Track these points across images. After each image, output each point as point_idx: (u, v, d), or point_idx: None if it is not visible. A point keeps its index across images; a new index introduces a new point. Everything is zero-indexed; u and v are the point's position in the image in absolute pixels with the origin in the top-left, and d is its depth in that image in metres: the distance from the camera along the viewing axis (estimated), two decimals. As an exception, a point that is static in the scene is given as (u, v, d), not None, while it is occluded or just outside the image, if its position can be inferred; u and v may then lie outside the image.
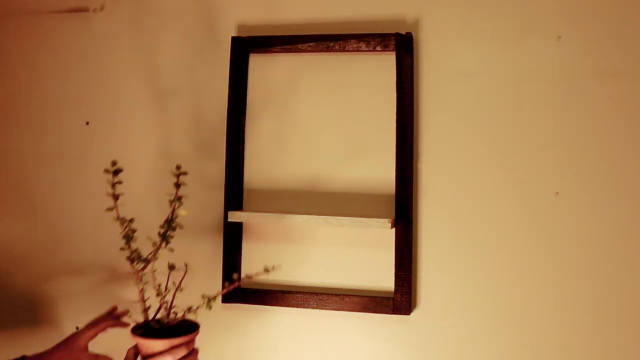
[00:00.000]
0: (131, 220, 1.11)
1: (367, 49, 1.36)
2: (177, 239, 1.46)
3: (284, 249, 1.42)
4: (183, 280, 1.11)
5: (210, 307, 1.10)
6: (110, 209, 1.10)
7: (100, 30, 1.55)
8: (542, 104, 1.31)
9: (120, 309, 1.31)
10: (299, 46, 1.39)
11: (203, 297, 1.09)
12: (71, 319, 1.51)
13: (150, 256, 1.13)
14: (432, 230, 1.35)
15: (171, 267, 1.12)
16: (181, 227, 1.13)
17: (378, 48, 1.36)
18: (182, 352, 1.07)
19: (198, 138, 1.48)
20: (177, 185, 1.12)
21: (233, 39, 1.43)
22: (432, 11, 1.37)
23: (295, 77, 1.43)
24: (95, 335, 1.24)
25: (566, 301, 1.29)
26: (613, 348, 1.27)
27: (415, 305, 1.35)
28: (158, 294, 1.12)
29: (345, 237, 1.39)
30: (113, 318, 1.30)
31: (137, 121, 1.51)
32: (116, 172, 1.09)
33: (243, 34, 1.45)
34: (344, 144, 1.39)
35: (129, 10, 1.53)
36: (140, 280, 1.12)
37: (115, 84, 1.53)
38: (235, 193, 1.42)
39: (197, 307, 1.10)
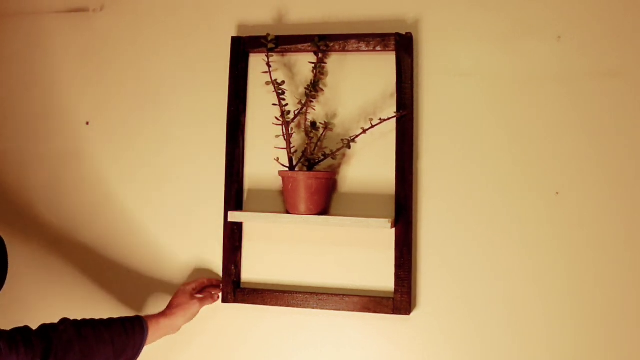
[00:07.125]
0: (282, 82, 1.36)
1: (367, 49, 1.36)
2: (178, 239, 1.47)
3: (284, 249, 1.42)
4: (323, 134, 1.36)
5: (350, 147, 1.33)
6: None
7: (100, 30, 1.55)
8: (542, 104, 1.31)
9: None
10: (299, 46, 1.39)
11: (342, 140, 1.32)
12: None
13: (297, 111, 1.36)
14: (432, 230, 1.35)
15: (312, 124, 1.37)
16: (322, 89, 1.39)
17: (378, 48, 1.36)
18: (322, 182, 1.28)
19: (198, 138, 1.48)
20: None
21: (233, 39, 1.43)
22: (432, 11, 1.37)
23: (295, 77, 1.43)
24: (197, 287, 1.41)
25: (566, 301, 1.29)
26: (614, 346, 1.27)
27: (415, 305, 1.35)
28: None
29: (345, 237, 1.39)
30: (209, 284, 1.44)
31: (137, 121, 1.51)
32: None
33: (243, 34, 1.45)
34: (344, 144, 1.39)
35: (129, 10, 1.53)
36: (288, 131, 1.34)
37: (115, 84, 1.53)
38: (235, 193, 1.42)
39: (337, 150, 1.33)
